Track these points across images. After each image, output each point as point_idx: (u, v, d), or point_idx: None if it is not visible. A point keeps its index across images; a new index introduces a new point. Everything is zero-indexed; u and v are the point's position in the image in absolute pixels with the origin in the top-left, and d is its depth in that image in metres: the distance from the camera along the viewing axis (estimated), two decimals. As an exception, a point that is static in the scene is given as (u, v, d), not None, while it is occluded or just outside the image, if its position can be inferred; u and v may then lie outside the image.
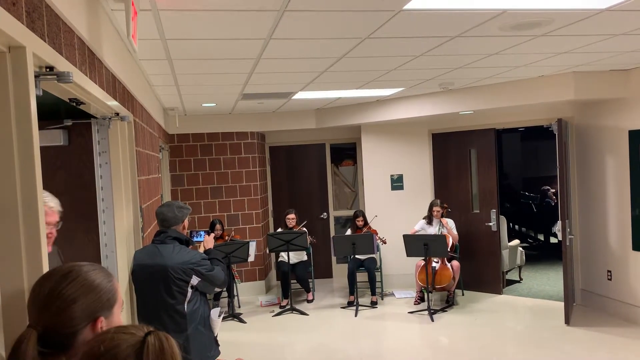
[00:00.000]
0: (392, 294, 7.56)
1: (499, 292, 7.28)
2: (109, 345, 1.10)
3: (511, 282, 7.80)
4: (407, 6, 2.84)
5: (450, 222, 7.06)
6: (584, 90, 5.58)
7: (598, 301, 6.37)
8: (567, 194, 5.95)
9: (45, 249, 1.55)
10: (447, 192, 7.64)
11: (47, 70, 1.66)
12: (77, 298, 1.31)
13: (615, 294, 6.10)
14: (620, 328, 5.71)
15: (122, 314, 1.74)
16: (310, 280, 7.60)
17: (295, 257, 7.35)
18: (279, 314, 6.91)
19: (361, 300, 7.13)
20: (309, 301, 7.42)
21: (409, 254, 6.63)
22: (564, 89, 5.60)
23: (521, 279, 7.95)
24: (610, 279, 6.15)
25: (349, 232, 7.40)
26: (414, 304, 7.01)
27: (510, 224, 10.27)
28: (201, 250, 3.74)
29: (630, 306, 5.88)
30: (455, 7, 2.94)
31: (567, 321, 5.90)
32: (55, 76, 1.66)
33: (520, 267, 8.02)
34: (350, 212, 8.21)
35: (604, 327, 5.76)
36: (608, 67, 5.38)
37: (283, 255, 7.31)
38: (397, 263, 7.67)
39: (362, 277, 7.38)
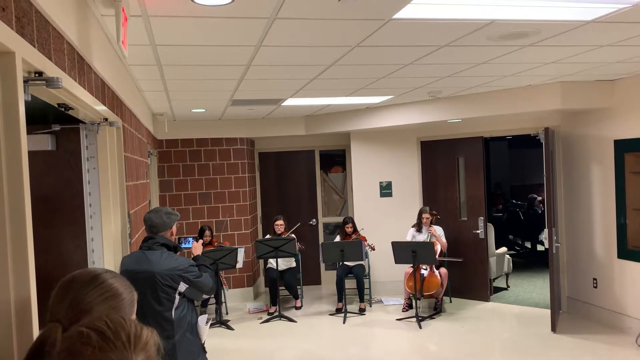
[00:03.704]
0: (381, 301, 7.57)
1: (487, 300, 7.31)
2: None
3: (498, 290, 7.84)
4: (397, 15, 2.87)
5: (438, 230, 7.08)
6: (571, 100, 5.66)
7: (584, 309, 6.42)
8: (553, 202, 6.01)
9: (32, 254, 1.53)
10: (435, 200, 7.67)
11: (36, 75, 1.65)
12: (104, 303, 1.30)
13: (600, 301, 6.16)
14: (606, 335, 5.76)
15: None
16: (298, 287, 7.58)
17: (283, 263, 7.33)
18: (267, 320, 6.88)
19: (349, 307, 7.13)
20: (297, 308, 7.40)
21: (397, 261, 6.65)
22: (551, 99, 5.67)
23: (508, 287, 7.99)
24: (595, 287, 6.21)
25: (337, 238, 7.40)
26: (402, 311, 7.01)
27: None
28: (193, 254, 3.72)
29: (615, 314, 5.93)
30: (444, 17, 2.97)
31: (554, 328, 5.93)
32: (44, 81, 1.65)
33: (507, 275, 8.06)
34: (339, 219, 8.22)
35: (589, 335, 5.81)
36: (594, 77, 5.46)
37: (271, 262, 7.29)
38: (385, 270, 7.68)
39: (350, 283, 7.37)
